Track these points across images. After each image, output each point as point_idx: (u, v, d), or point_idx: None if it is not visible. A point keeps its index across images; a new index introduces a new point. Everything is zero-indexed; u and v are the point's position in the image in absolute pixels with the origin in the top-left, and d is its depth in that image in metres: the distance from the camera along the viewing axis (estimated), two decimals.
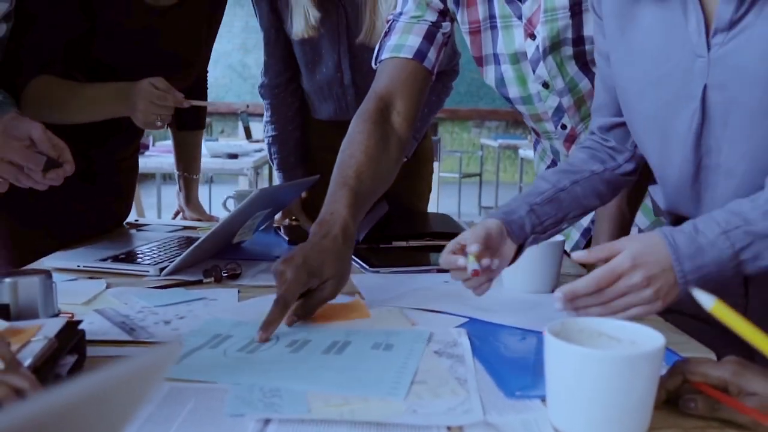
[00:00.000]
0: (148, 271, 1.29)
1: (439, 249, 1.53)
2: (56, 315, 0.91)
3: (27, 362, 0.70)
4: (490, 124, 9.96)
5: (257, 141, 6.13)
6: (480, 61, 1.43)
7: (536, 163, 1.74)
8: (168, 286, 1.22)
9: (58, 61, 1.48)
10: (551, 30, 1.31)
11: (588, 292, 0.84)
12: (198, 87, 1.87)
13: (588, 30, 1.29)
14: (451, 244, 1.02)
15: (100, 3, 1.47)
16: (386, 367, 0.84)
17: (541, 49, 1.33)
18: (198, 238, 1.57)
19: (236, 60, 9.75)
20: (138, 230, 1.72)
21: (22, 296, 0.88)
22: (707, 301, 0.62)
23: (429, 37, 1.36)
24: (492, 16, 1.36)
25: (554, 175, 1.12)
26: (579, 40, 1.31)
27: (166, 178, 7.80)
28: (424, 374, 0.82)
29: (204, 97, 1.95)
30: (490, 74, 1.43)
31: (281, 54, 1.88)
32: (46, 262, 1.35)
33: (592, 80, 1.39)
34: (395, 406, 0.73)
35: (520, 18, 1.33)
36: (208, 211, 2.00)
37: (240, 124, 6.91)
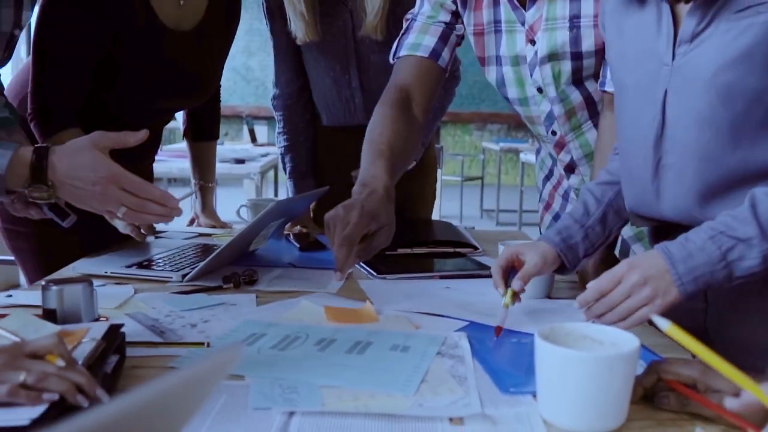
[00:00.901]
0: (171, 277, 1.39)
1: (442, 256, 1.64)
2: (96, 319, 1.01)
3: (80, 361, 0.80)
4: (492, 127, 10.06)
5: (262, 145, 6.24)
6: (483, 61, 1.54)
7: (537, 171, 1.84)
8: (190, 292, 1.32)
9: (84, 100, 1.58)
10: (550, 39, 1.41)
11: (594, 298, 0.96)
12: (212, 99, 1.97)
13: (586, 45, 1.40)
14: (506, 256, 1.14)
15: (126, 32, 1.56)
16: (402, 367, 0.93)
17: (539, 56, 1.44)
18: (213, 245, 1.67)
19: (240, 63, 9.84)
20: (156, 237, 1.81)
21: (67, 302, 0.98)
22: (663, 324, 0.72)
23: (443, 38, 1.51)
24: (497, 21, 1.48)
25: (599, 188, 1.23)
26: (577, 55, 1.42)
27: (171, 181, 7.92)
28: (428, 373, 0.92)
29: (217, 109, 2.05)
30: (491, 74, 1.55)
31: (292, 62, 1.99)
32: (75, 268, 1.45)
33: (585, 96, 1.49)
34: (403, 401, 0.83)
35: (523, 24, 1.44)
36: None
37: (245, 127, 7.01)
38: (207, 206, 2.05)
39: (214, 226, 2.02)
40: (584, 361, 0.76)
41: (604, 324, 0.92)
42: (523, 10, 1.43)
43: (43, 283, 1.01)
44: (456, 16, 1.53)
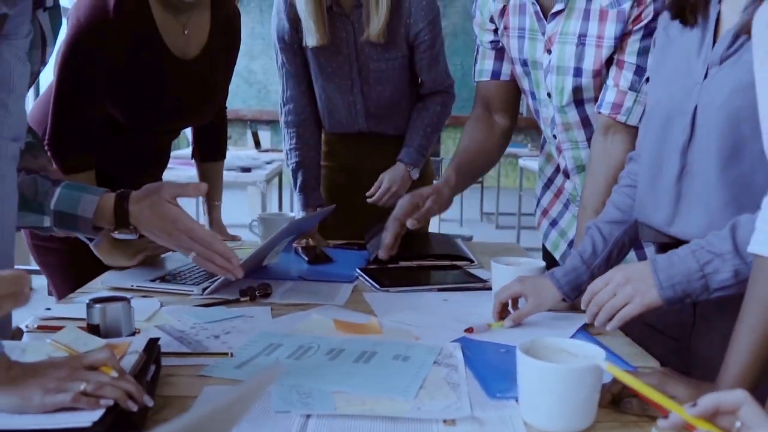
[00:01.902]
0: (192, 291, 1.52)
1: (440, 269, 1.77)
2: (133, 333, 1.15)
3: (128, 371, 0.93)
4: None
5: (266, 150, 6.37)
6: (511, 60, 1.75)
7: (537, 178, 1.98)
8: (211, 305, 1.45)
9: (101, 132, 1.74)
10: (560, 51, 1.58)
11: (589, 299, 1.13)
12: (218, 120, 2.11)
13: (587, 63, 1.54)
14: (512, 291, 1.34)
15: (138, 60, 1.71)
16: (403, 375, 1.06)
17: (552, 64, 1.59)
18: None
19: (242, 66, 9.97)
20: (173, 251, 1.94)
21: (109, 318, 1.12)
22: (604, 365, 0.86)
23: (499, 56, 1.79)
24: (521, 28, 1.67)
25: (607, 227, 1.36)
26: (578, 71, 1.56)
27: None
28: (426, 380, 1.05)
29: (224, 130, 2.18)
30: (518, 70, 1.74)
31: (302, 81, 2.15)
32: (102, 282, 1.58)
33: (582, 117, 1.63)
34: (403, 405, 0.96)
35: (543, 34, 1.61)
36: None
37: (249, 132, 7.14)
38: (215, 223, 2.18)
39: (223, 239, 2.15)
40: (558, 372, 0.89)
41: (597, 324, 1.09)
42: (545, 22, 1.59)
43: (87, 301, 1.14)
44: (495, 32, 1.75)
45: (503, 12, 1.69)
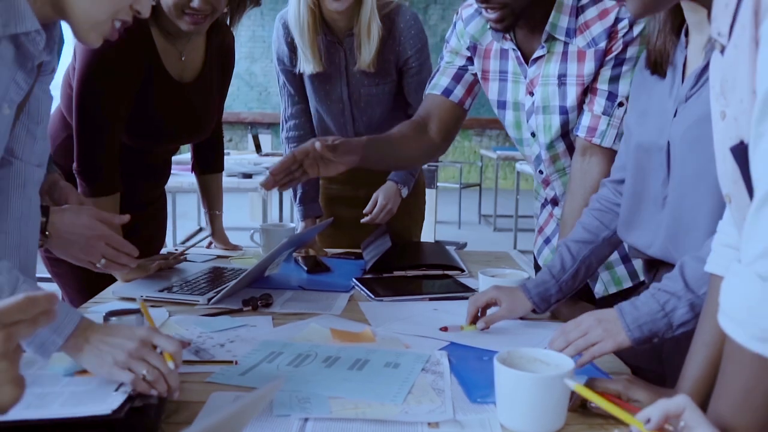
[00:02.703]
0: (198, 301, 1.62)
1: (432, 278, 1.87)
2: None
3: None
4: (491, 133, 10.30)
5: (267, 155, 6.45)
6: (492, 102, 1.82)
7: (536, 184, 2.07)
8: (216, 314, 1.55)
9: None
10: (543, 92, 1.67)
11: (558, 336, 1.21)
12: (215, 136, 2.21)
13: (570, 101, 1.64)
14: (487, 297, 1.43)
15: (143, 85, 1.82)
16: (393, 381, 1.17)
17: (535, 105, 1.69)
18: (224, 268, 1.91)
19: (243, 69, 10.06)
20: (182, 260, 2.04)
21: None
22: (570, 384, 0.96)
23: (457, 78, 1.84)
24: (503, 71, 1.75)
25: (575, 246, 1.47)
26: (563, 109, 1.66)
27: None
28: (414, 386, 1.15)
29: (220, 145, 2.28)
30: (495, 110, 1.82)
31: (300, 100, 2.25)
32: (113, 292, 1.68)
33: (567, 145, 1.73)
34: (392, 409, 1.06)
35: (525, 77, 1.70)
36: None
37: (249, 136, 7.21)
38: (217, 232, 2.27)
39: (226, 249, 2.25)
40: (530, 380, 0.99)
41: (580, 362, 1.18)
42: (527, 67, 1.68)
43: (103, 313, 1.25)
44: (471, 60, 1.81)
45: (486, 54, 1.76)
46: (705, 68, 1.18)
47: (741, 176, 0.78)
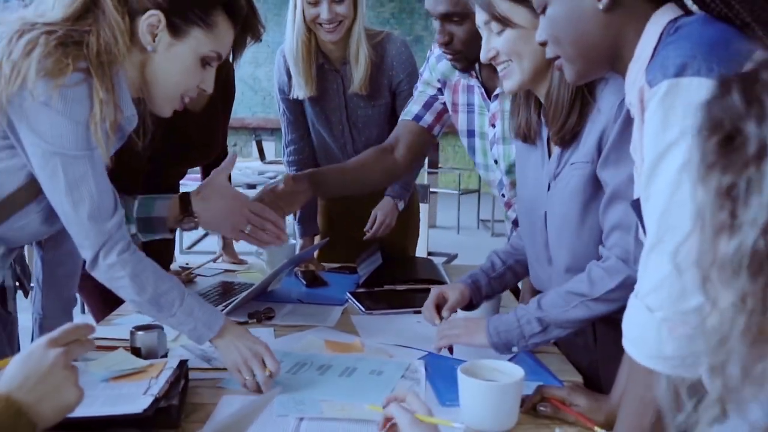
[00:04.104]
0: None
1: (420, 292, 2.08)
2: (166, 354, 1.46)
3: (166, 383, 1.24)
4: None
5: (271, 162, 6.59)
6: (459, 132, 2.02)
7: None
8: None
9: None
10: (503, 125, 1.87)
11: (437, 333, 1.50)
12: (222, 153, 2.42)
13: None
14: (435, 296, 1.62)
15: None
16: (376, 386, 1.38)
17: (496, 137, 1.89)
18: (232, 282, 2.11)
19: (247, 73, 10.22)
20: (194, 275, 2.25)
21: (147, 343, 1.43)
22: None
23: (427, 105, 2.05)
24: (470, 104, 1.97)
25: (504, 254, 1.71)
26: None
27: None
28: (394, 391, 1.35)
29: (226, 149, 2.49)
30: (464, 141, 2.03)
31: (301, 126, 2.46)
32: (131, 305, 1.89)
33: None
34: (376, 410, 1.26)
35: (488, 110, 1.91)
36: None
37: (254, 143, 7.35)
38: (228, 246, 2.48)
39: (233, 263, 2.46)
40: (486, 387, 1.20)
41: (434, 346, 1.47)
42: (489, 102, 1.89)
43: (130, 328, 1.46)
44: (441, 90, 2.03)
45: (455, 89, 1.98)
46: (564, 150, 1.40)
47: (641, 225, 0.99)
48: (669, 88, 0.88)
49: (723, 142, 0.58)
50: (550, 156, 1.46)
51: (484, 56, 1.41)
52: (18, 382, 0.90)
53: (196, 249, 6.70)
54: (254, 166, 6.22)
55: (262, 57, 10.34)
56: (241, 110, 10.23)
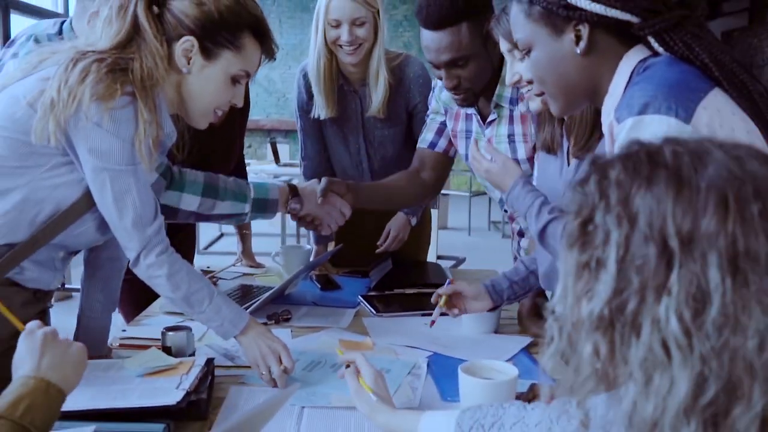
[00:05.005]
0: None
1: (428, 296, 2.20)
2: (193, 353, 1.60)
3: (195, 380, 1.38)
4: None
5: (285, 165, 6.70)
6: (460, 155, 2.17)
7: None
8: None
9: None
10: (498, 148, 1.99)
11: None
12: (239, 161, 2.57)
13: (521, 154, 1.99)
14: (452, 288, 1.81)
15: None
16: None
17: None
18: (251, 285, 2.25)
19: (261, 75, 10.28)
20: (215, 278, 2.39)
21: (177, 343, 1.57)
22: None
23: (439, 132, 2.24)
24: (468, 130, 2.12)
25: (529, 259, 1.85)
26: (516, 161, 1.99)
27: None
28: (400, 387, 1.49)
29: (244, 166, 2.63)
30: (467, 164, 2.14)
31: (318, 141, 2.58)
32: (160, 307, 2.03)
33: None
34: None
35: (484, 135, 2.05)
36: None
37: (268, 146, 7.44)
38: (246, 251, 2.63)
39: (251, 266, 2.60)
40: (482, 384, 1.33)
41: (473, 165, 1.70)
42: (484, 128, 2.02)
43: (161, 329, 1.60)
44: (446, 113, 2.18)
45: (456, 117, 2.14)
46: (581, 161, 1.53)
47: None
48: (634, 123, 1.01)
49: (582, 225, 0.71)
50: (569, 164, 1.60)
51: (508, 81, 1.56)
52: (33, 364, 1.07)
53: (212, 250, 6.86)
54: (269, 169, 6.31)
55: (276, 58, 10.46)
56: (256, 112, 10.33)
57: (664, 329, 0.65)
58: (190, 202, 1.82)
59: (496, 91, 1.96)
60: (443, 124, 2.19)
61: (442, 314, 1.81)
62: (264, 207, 1.90)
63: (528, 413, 1.05)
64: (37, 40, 1.89)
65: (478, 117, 2.05)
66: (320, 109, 2.45)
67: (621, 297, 0.67)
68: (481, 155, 1.75)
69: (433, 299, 1.81)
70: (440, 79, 1.95)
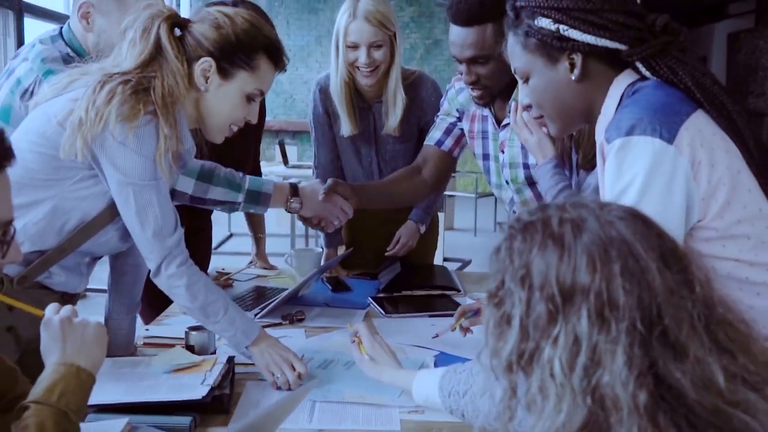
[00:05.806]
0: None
1: (433, 297, 2.30)
2: (215, 351, 1.70)
3: (219, 376, 1.48)
4: None
5: (294, 167, 6.77)
6: (477, 155, 2.26)
7: None
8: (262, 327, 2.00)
9: None
10: (511, 151, 2.10)
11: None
12: (255, 166, 2.68)
13: (532, 159, 2.07)
14: (475, 306, 1.87)
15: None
16: None
17: (506, 161, 2.12)
18: (266, 287, 2.36)
19: None
20: (230, 280, 2.50)
21: (200, 341, 1.67)
22: None
23: (447, 131, 2.31)
24: (484, 131, 2.21)
25: None
26: (526, 165, 2.10)
27: None
28: None
29: (260, 172, 2.74)
30: (481, 164, 2.26)
31: (330, 147, 2.68)
32: (178, 308, 2.13)
33: (534, 192, 2.16)
34: (389, 398, 1.50)
35: (499, 137, 2.15)
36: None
37: (277, 148, 7.51)
38: (261, 253, 2.74)
39: (265, 268, 2.71)
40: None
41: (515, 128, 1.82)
42: (499, 130, 2.13)
43: (185, 329, 1.71)
44: (459, 119, 2.28)
45: (472, 118, 2.23)
46: (588, 172, 1.64)
47: None
48: (621, 144, 1.11)
49: (499, 284, 0.83)
50: (578, 174, 1.70)
51: (522, 102, 1.67)
52: (59, 351, 1.14)
53: (221, 250, 6.96)
54: (278, 171, 6.36)
55: None
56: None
57: (551, 371, 0.77)
58: (185, 184, 1.92)
59: (513, 95, 2.05)
60: (452, 125, 2.29)
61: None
62: (257, 199, 1.98)
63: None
64: (41, 42, 2.00)
65: (494, 119, 2.15)
66: (344, 127, 2.55)
67: (523, 346, 0.80)
68: (523, 123, 1.87)
69: (456, 314, 1.88)
70: (461, 74, 2.05)
